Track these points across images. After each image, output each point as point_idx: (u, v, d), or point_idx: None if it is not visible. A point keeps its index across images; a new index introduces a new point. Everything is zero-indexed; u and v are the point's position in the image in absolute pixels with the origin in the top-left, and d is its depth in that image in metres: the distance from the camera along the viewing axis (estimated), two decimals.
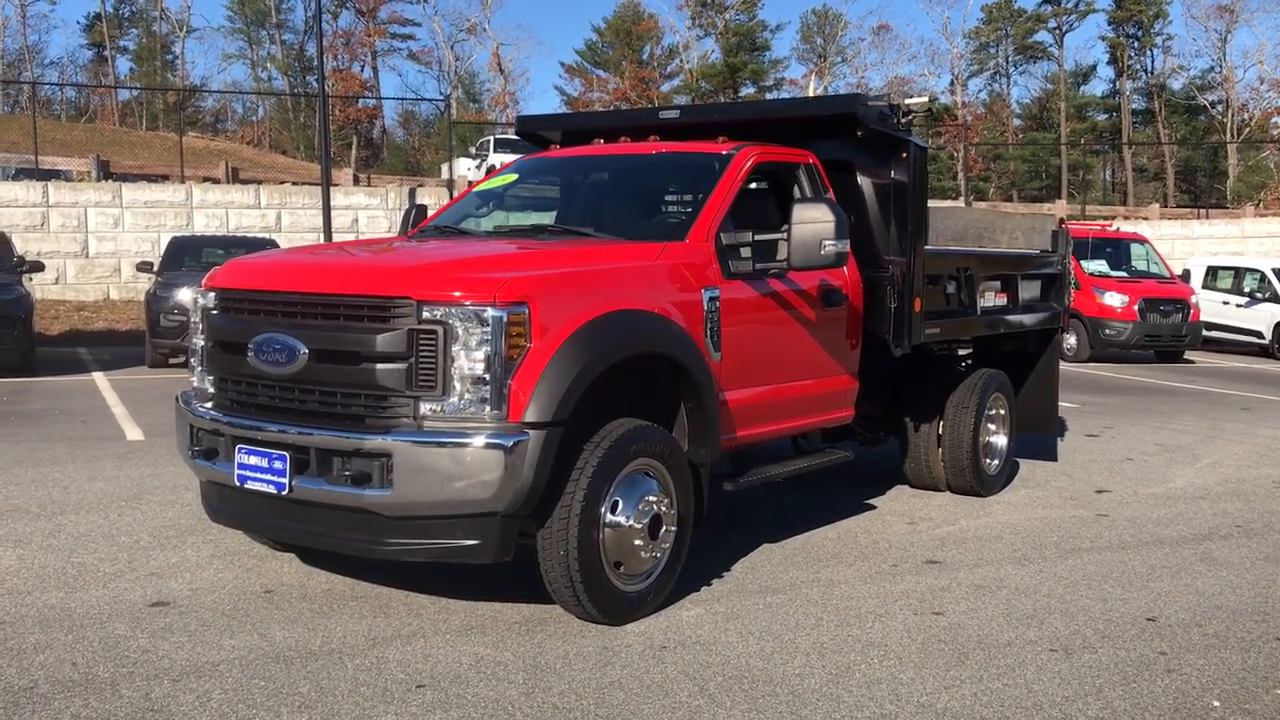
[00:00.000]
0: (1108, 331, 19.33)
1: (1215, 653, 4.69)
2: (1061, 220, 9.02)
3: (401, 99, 71.08)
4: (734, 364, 5.58)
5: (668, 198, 6.45)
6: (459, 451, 4.44)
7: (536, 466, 4.48)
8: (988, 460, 7.92)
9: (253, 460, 4.80)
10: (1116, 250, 20.83)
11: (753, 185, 6.23)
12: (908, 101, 6.67)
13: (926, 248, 6.89)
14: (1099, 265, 20.19)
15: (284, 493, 4.72)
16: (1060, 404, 9.22)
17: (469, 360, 4.46)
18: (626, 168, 6.61)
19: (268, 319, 4.91)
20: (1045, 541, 6.59)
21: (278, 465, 4.72)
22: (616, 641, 4.68)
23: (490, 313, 4.46)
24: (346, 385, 4.65)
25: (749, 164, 6.03)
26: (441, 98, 62.02)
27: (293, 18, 72.98)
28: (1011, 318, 8.18)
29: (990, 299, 7.86)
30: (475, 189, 7.00)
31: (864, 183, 6.72)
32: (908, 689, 4.22)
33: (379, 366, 4.55)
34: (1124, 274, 20.22)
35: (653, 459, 5.00)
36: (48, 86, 67.86)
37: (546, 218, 6.59)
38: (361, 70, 70.84)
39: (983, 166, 64.57)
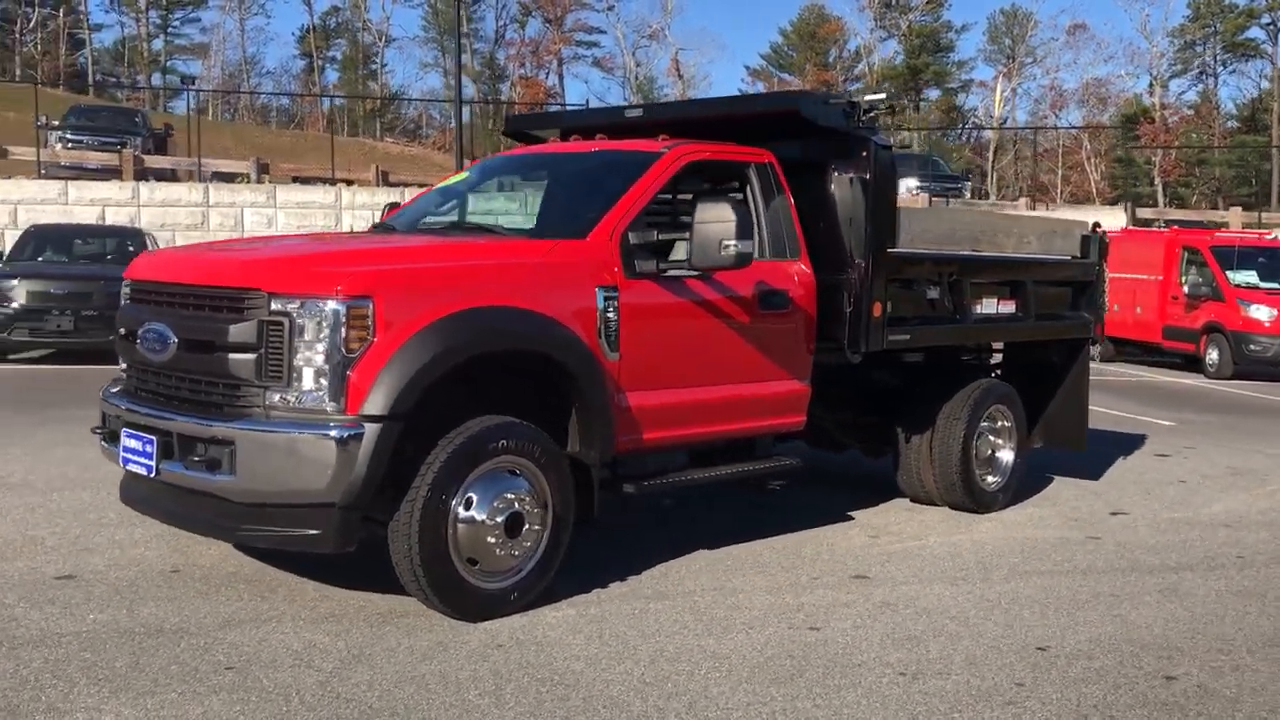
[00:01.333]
0: (1253, 347, 18.05)
1: (1080, 687, 4.35)
2: (1096, 225, 8.46)
3: (531, 105, 72.31)
4: (638, 365, 5.48)
5: (595, 196, 6.39)
6: (295, 442, 4.53)
7: (371, 459, 4.52)
8: (988, 476, 7.54)
9: (131, 443, 5.02)
10: (1272, 261, 19.41)
11: (692, 185, 6.11)
12: (867, 98, 6.41)
13: (897, 250, 6.61)
14: (1247, 276, 18.88)
15: (152, 475, 4.92)
16: (1155, 421, 8.67)
17: (311, 352, 4.56)
18: (566, 167, 6.59)
19: (153, 309, 5.13)
20: (1003, 563, 6.22)
21: (147, 449, 4.92)
22: (457, 637, 4.68)
23: (331, 306, 4.54)
24: (207, 374, 4.81)
25: (676, 164, 5.92)
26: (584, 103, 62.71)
27: (483, 26, 75.20)
28: (1021, 326, 7.75)
29: (991, 306, 7.47)
30: (437, 186, 7.10)
31: (832, 184, 6.50)
32: (708, 703, 4.08)
33: (232, 356, 4.69)
34: (1276, 285, 18.82)
35: (520, 457, 4.97)
36: (263, 95, 72.24)
37: (494, 216, 6.64)
38: (546, 77, 72.54)
39: (1183, 171, 61.05)
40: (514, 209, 6.86)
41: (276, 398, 4.63)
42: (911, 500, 7.64)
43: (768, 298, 6.07)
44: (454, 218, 6.52)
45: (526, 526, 4.98)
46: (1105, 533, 7.01)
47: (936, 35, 68.50)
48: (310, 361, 4.56)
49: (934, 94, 68.19)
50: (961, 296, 7.17)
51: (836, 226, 6.47)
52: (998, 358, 8.57)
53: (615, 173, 5.96)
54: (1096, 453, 10.09)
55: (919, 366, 7.83)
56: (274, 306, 4.61)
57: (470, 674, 4.28)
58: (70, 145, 26.26)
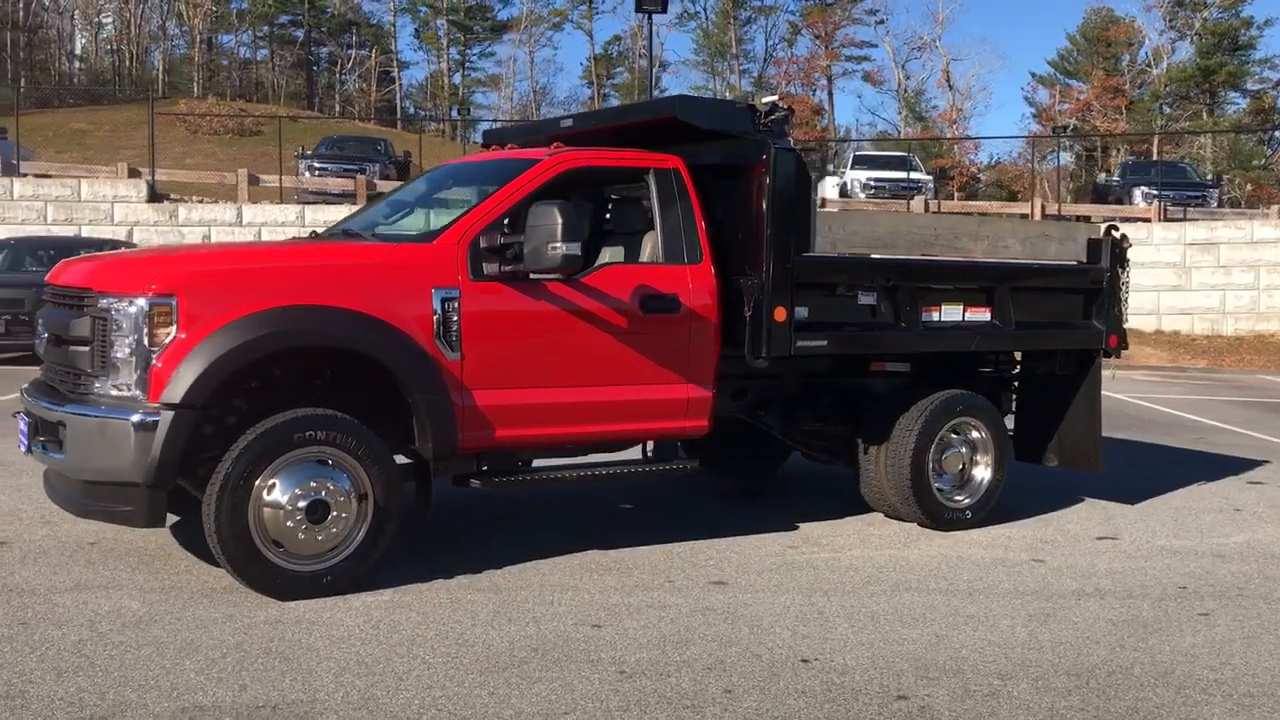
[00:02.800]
0: None
1: (790, 700, 4.19)
2: (1110, 228, 7.79)
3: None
4: (485, 365, 5.67)
5: (466, 202, 6.60)
6: (104, 425, 5.06)
7: (165, 443, 4.97)
8: (957, 494, 7.19)
9: (21, 426, 5.69)
10: None
11: (590, 192, 6.26)
12: (764, 100, 6.29)
13: (810, 254, 6.46)
14: None
15: (26, 453, 5.57)
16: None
17: (124, 345, 5.07)
18: (465, 174, 6.86)
19: (45, 308, 5.81)
20: (900, 579, 5.95)
21: (24, 430, 5.57)
22: (246, 613, 5.02)
23: (139, 303, 5.04)
24: (63, 364, 5.43)
25: (549, 172, 6.07)
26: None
27: (753, 46, 75.86)
28: (998, 335, 7.31)
29: (955, 314, 7.10)
30: (389, 195, 7.52)
31: (740, 188, 6.46)
32: (405, 691, 4.23)
33: (72, 349, 5.27)
34: None
35: (333, 448, 5.27)
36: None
37: (424, 223, 6.97)
38: (815, 94, 72.29)
39: None
40: (443, 218, 7.16)
41: (105, 386, 5.16)
42: (886, 515, 7.37)
43: (652, 301, 6.11)
44: (384, 226, 6.91)
45: (333, 514, 5.27)
46: (1060, 557, 6.53)
47: (1234, 33, 63.45)
48: (124, 354, 5.07)
49: (1232, 95, 63.17)
50: (905, 303, 6.87)
51: (742, 231, 6.41)
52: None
53: (494, 179, 6.17)
54: (1174, 474, 9.36)
55: (910, 375, 7.58)
56: (100, 304, 5.16)
57: (211, 642, 4.62)
58: (317, 173, 28.56)
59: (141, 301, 5.04)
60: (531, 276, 5.71)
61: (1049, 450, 7.90)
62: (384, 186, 28.53)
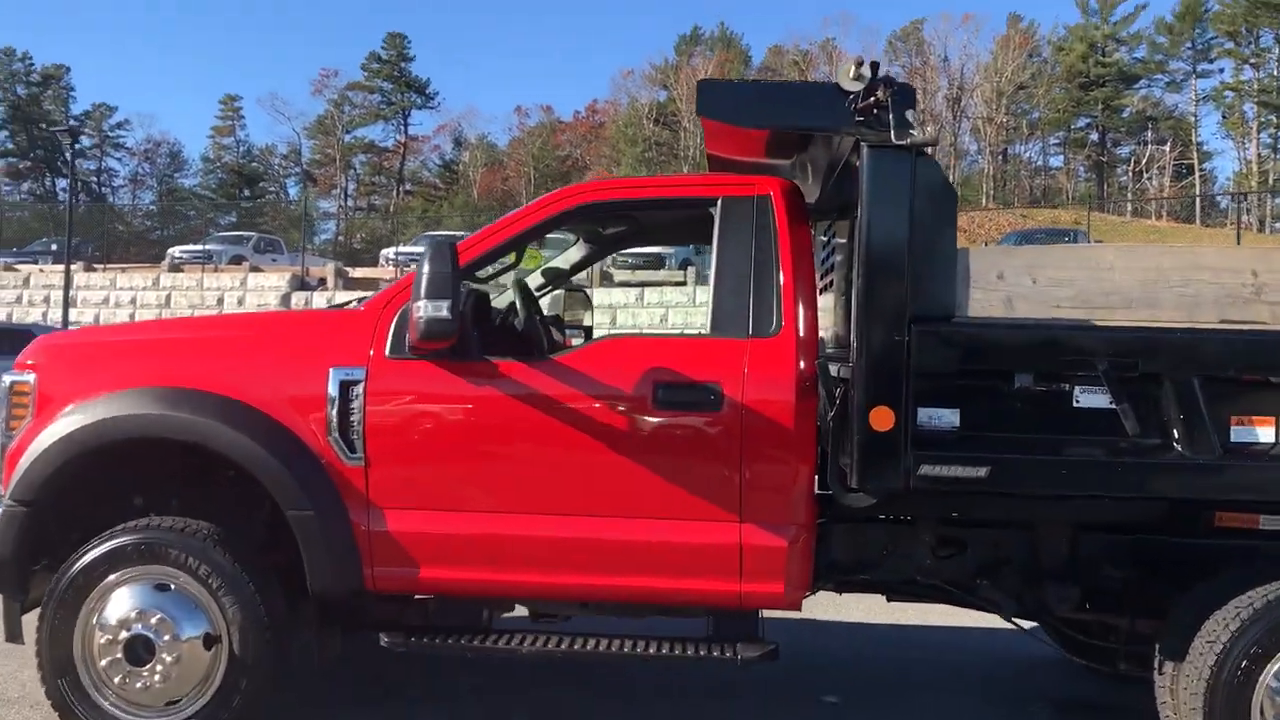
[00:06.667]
0: None
1: None
2: None
3: None
4: (403, 474, 4.10)
5: None
6: None
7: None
8: None
9: None
10: None
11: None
12: (852, 72, 3.79)
13: (960, 318, 3.83)
14: None
15: None
16: None
17: None
18: None
19: None
20: None
21: None
22: None
23: (6, 380, 4.39)
24: None
25: (550, 208, 4.32)
26: None
27: None
28: None
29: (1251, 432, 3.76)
30: None
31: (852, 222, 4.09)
32: None
33: None
34: None
35: (180, 570, 4.10)
36: None
37: None
38: None
39: None
40: None
41: None
42: None
43: (674, 391, 4.03)
44: None
45: (158, 656, 4.07)
46: None
47: None
48: None
49: None
50: (1182, 408, 3.76)
51: (843, 284, 4.04)
52: None
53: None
54: None
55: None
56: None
57: None
58: None
59: (6, 378, 4.40)
60: (410, 352, 4.06)
61: None
62: None
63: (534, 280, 5.71)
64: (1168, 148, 68.35)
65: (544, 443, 4.07)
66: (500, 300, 5.05)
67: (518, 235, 4.30)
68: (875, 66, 3.82)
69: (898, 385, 3.79)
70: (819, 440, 4.06)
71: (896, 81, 3.83)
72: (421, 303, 3.80)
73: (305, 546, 4.07)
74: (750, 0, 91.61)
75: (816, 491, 4.11)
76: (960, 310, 3.86)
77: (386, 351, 4.14)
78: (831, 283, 4.96)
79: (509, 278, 5.16)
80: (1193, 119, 67.70)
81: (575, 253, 5.76)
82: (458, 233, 26.08)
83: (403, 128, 73.40)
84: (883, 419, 3.79)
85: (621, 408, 4.03)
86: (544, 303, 5.97)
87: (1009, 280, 3.88)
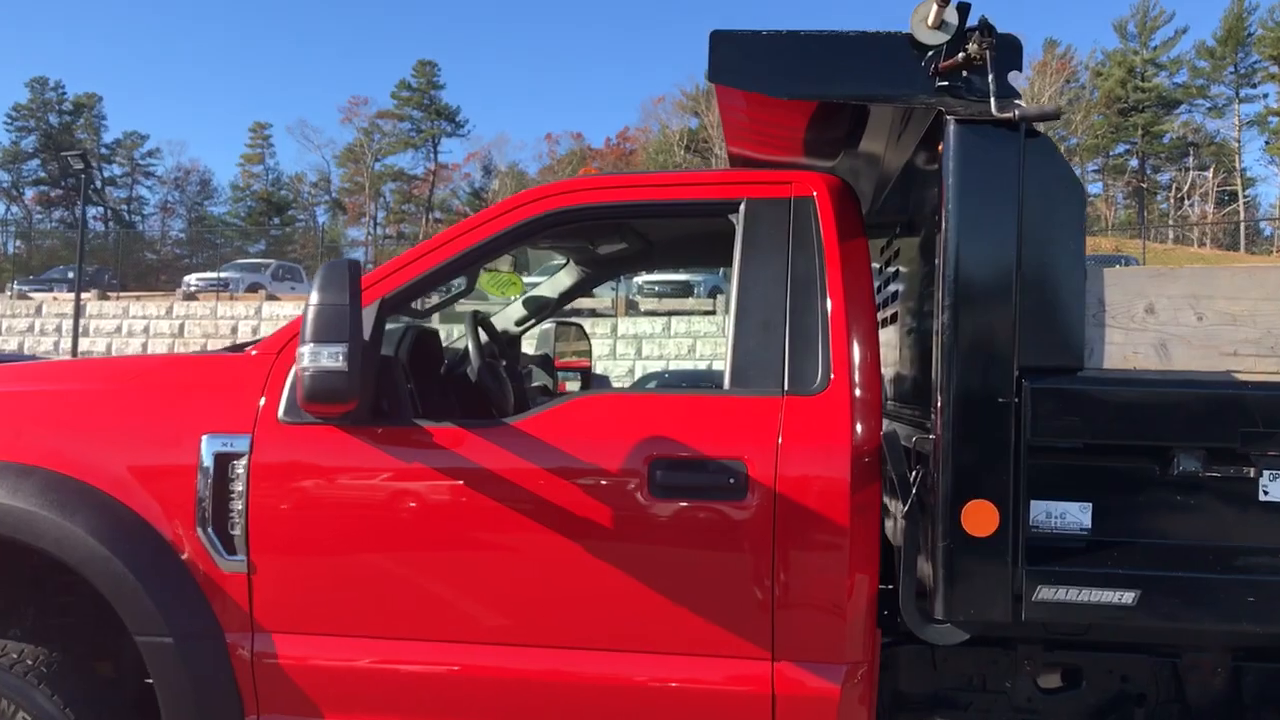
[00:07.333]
0: None
1: None
2: None
3: None
4: (300, 582, 2.93)
5: None
6: None
7: None
8: None
9: None
10: None
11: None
12: (931, 17, 2.64)
13: (1088, 373, 2.63)
14: None
15: None
16: None
17: None
18: None
19: None
20: None
21: None
22: None
23: None
24: None
25: (506, 218, 3.14)
26: None
27: None
28: None
29: None
30: None
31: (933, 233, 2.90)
32: None
33: None
34: None
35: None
36: None
37: None
38: None
39: None
40: None
41: None
42: None
43: (677, 474, 2.83)
44: None
45: None
46: None
47: None
48: None
49: None
50: None
51: (913, 323, 2.85)
52: None
53: None
54: None
55: None
56: None
57: None
58: None
59: None
60: (306, 418, 2.90)
61: None
62: None
63: (515, 312, 4.58)
64: (1210, 173, 66.70)
65: (495, 544, 2.89)
66: (462, 341, 3.90)
67: (464, 254, 3.11)
68: (965, 9, 2.65)
69: (1003, 469, 2.58)
70: (883, 541, 2.87)
71: (995, 30, 2.66)
72: (307, 348, 2.64)
73: (161, 687, 2.91)
74: (783, 23, 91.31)
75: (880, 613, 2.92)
76: (1093, 359, 2.66)
77: (280, 413, 2.98)
78: (891, 317, 3.79)
79: (466, 309, 3.98)
80: (1236, 144, 66.09)
81: (565, 277, 4.61)
82: None
83: (433, 155, 72.93)
84: (981, 519, 2.58)
85: (603, 495, 2.84)
86: (529, 339, 4.83)
87: (1162, 316, 2.66)
